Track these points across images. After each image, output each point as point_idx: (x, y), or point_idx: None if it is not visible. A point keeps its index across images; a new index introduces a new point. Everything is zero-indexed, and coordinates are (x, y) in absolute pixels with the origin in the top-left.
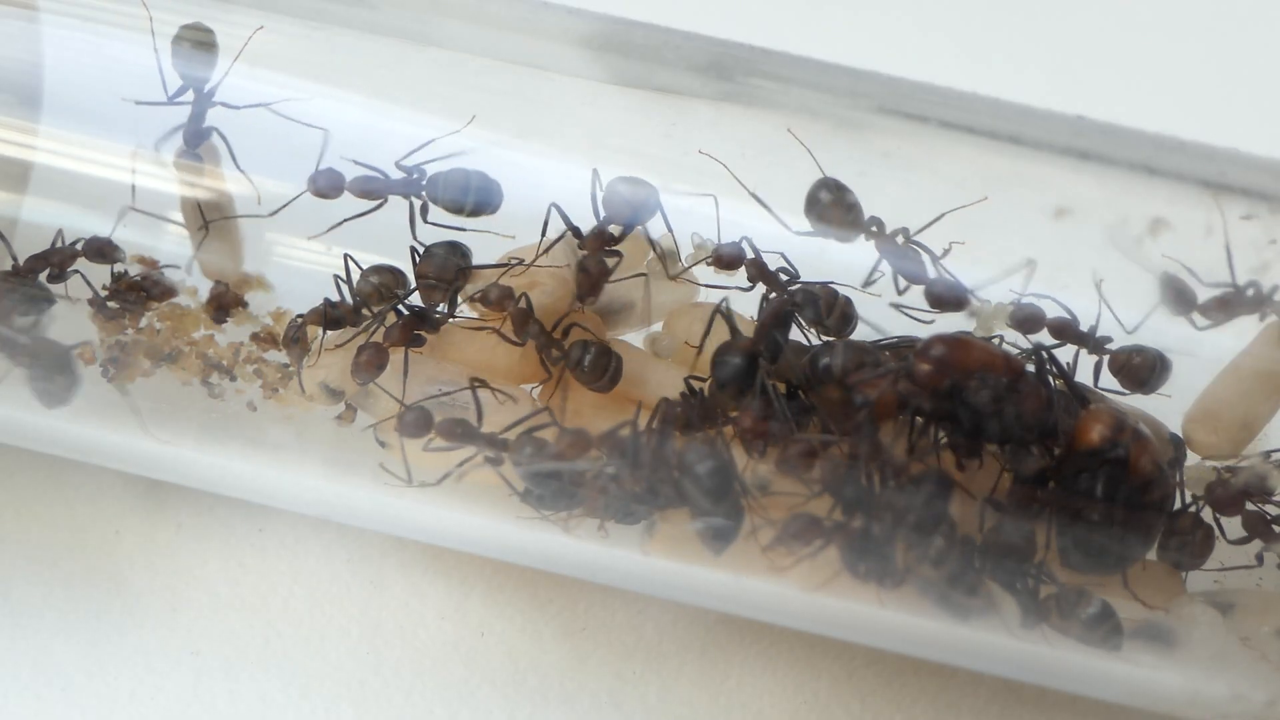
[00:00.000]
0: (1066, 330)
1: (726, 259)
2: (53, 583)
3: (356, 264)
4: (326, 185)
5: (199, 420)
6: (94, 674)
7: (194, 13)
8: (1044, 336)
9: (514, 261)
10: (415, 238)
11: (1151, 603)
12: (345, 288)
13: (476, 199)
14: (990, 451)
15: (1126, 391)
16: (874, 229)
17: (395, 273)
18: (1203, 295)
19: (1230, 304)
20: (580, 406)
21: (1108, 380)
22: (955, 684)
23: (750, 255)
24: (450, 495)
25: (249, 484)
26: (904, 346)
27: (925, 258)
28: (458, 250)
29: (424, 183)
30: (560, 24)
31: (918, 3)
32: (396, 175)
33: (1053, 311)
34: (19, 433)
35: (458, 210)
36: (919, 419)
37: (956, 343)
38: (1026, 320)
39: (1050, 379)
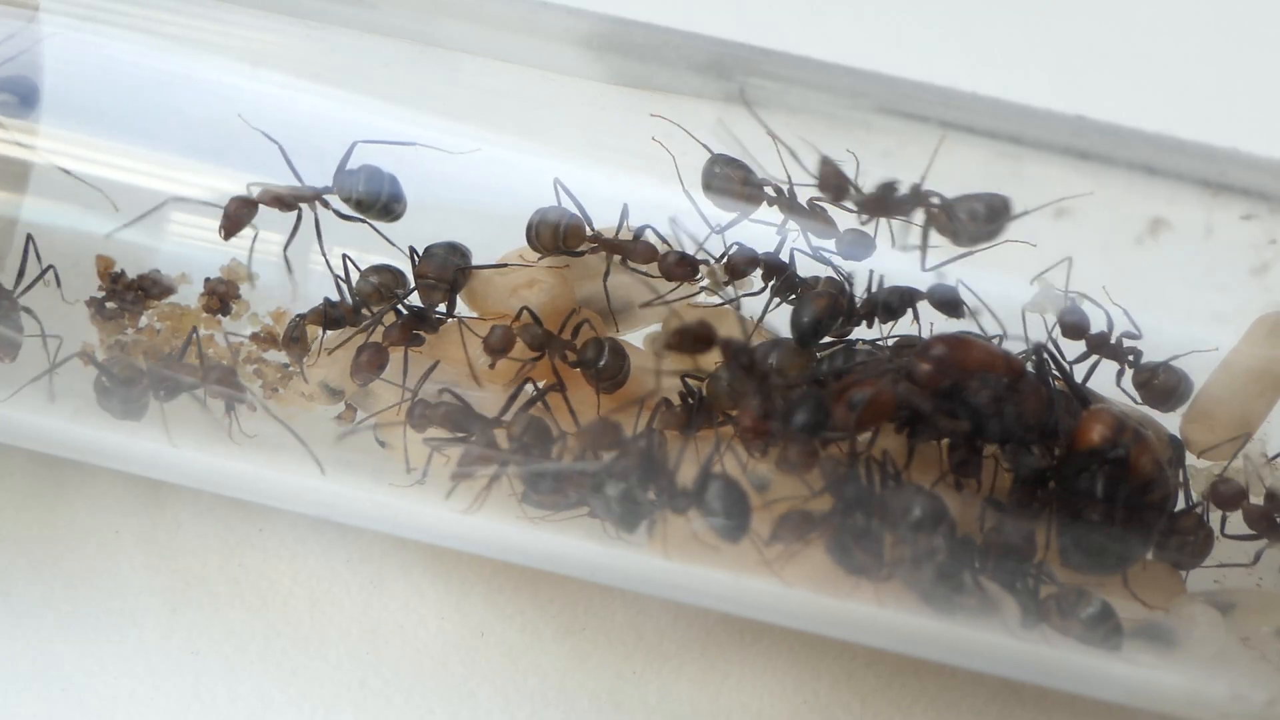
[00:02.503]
0: (1101, 343)
1: (740, 266)
2: (53, 583)
3: (355, 265)
4: (236, 212)
5: (199, 420)
6: (94, 674)
7: (194, 12)
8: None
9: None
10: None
11: (1151, 603)
12: (345, 288)
13: (390, 193)
14: (990, 453)
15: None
16: (773, 194)
17: (395, 273)
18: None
19: (880, 201)
20: (580, 405)
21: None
22: (955, 684)
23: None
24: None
25: (249, 484)
26: (904, 346)
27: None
28: (457, 250)
29: (333, 178)
30: (560, 24)
31: (918, 3)
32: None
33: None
34: (19, 433)
35: (370, 205)
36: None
37: (957, 343)
38: (1073, 326)
39: (1051, 379)
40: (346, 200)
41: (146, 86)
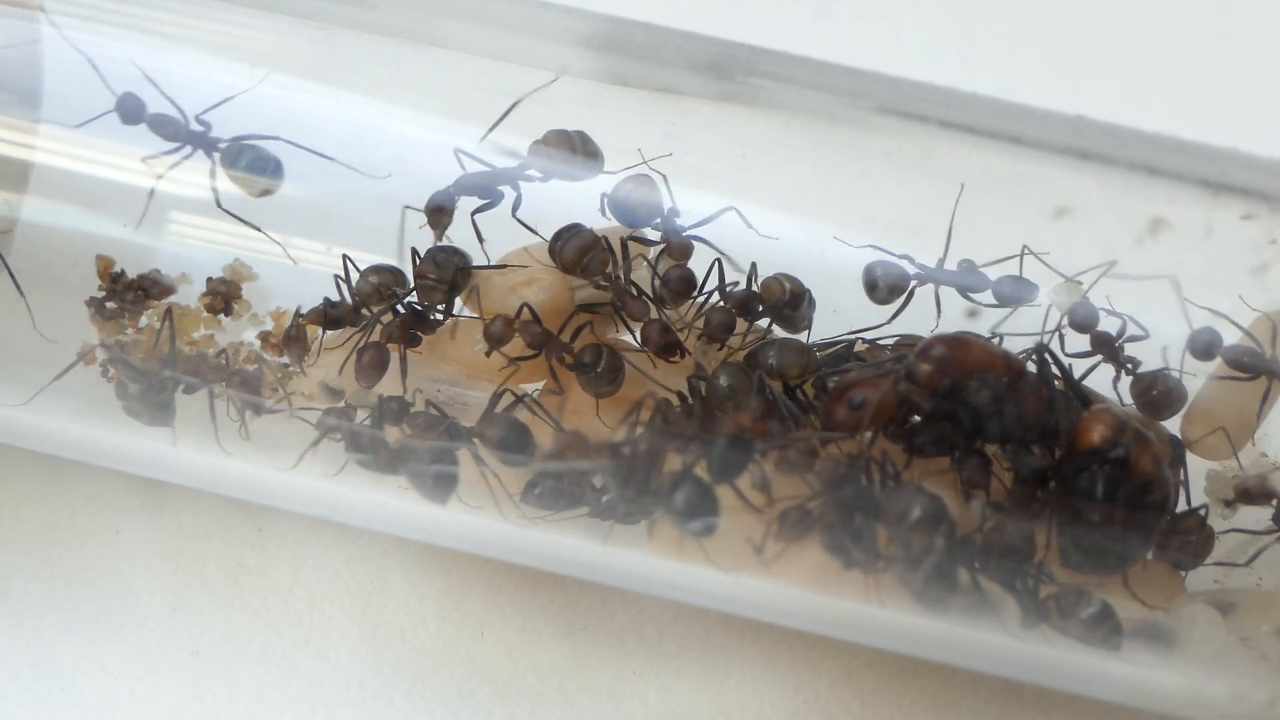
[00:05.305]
0: (1105, 344)
1: (717, 331)
2: (53, 583)
3: (355, 265)
4: (129, 108)
5: (199, 420)
6: (94, 674)
7: (194, 12)
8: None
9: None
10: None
11: (1151, 603)
12: (345, 287)
13: (274, 173)
14: (992, 452)
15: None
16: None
17: (395, 273)
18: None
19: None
20: (579, 405)
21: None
22: (955, 684)
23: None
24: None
25: (249, 484)
26: (904, 346)
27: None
28: (457, 251)
29: (221, 145)
30: (560, 24)
31: (918, 3)
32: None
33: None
34: (19, 433)
35: (255, 177)
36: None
37: (957, 343)
38: (1082, 322)
39: (1051, 379)
40: (230, 168)
41: (146, 86)
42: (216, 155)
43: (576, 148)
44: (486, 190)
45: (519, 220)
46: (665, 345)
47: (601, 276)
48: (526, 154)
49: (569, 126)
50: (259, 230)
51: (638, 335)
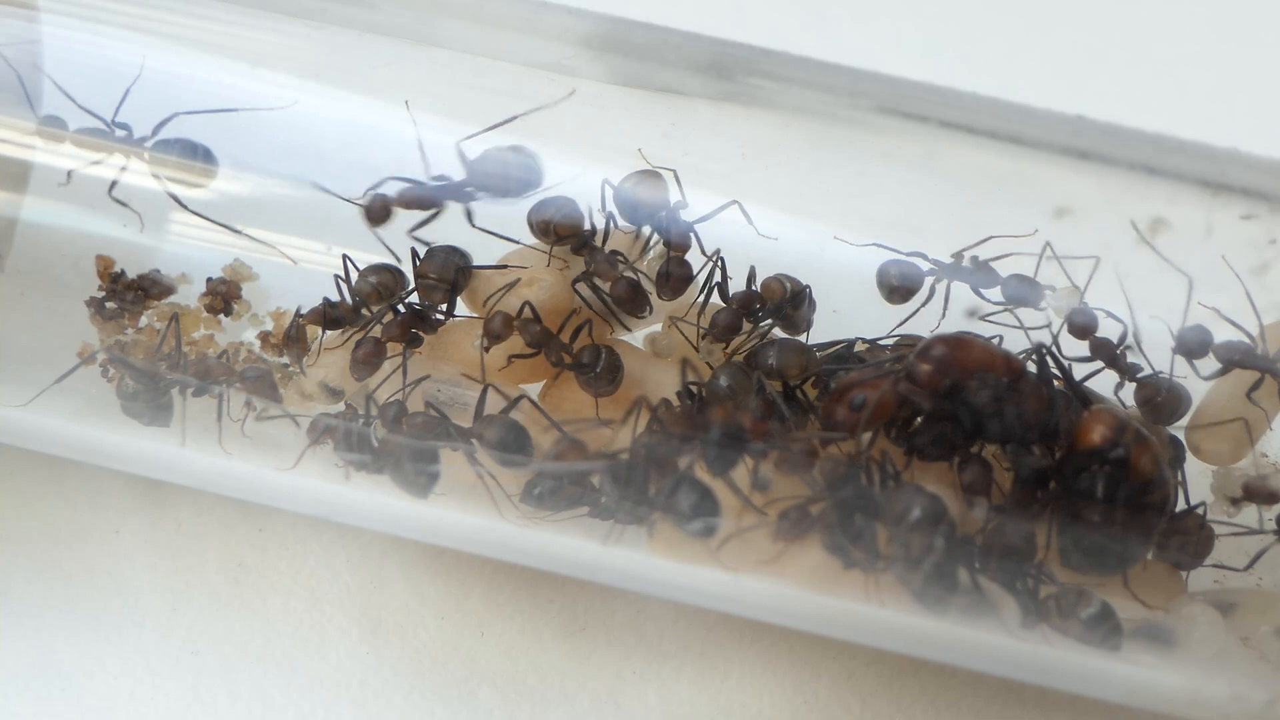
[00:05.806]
0: (1102, 350)
1: (724, 331)
2: (53, 583)
3: (355, 265)
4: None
5: (199, 420)
6: (94, 674)
7: (194, 12)
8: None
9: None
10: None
11: (1151, 603)
12: (344, 287)
13: (205, 159)
14: (992, 453)
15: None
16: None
17: (394, 272)
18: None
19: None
20: (579, 406)
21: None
22: (955, 684)
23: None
24: (450, 495)
25: (249, 484)
26: (904, 346)
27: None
28: (458, 251)
29: (149, 143)
30: (560, 24)
31: (918, 3)
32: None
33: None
34: (19, 433)
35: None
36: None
37: (957, 343)
38: (1081, 327)
39: (1051, 379)
40: (164, 157)
41: (146, 87)
42: (146, 155)
43: (512, 167)
44: (428, 203)
45: (481, 228)
46: (633, 301)
47: (575, 241)
48: (466, 172)
49: (510, 142)
50: (238, 231)
51: (608, 292)
